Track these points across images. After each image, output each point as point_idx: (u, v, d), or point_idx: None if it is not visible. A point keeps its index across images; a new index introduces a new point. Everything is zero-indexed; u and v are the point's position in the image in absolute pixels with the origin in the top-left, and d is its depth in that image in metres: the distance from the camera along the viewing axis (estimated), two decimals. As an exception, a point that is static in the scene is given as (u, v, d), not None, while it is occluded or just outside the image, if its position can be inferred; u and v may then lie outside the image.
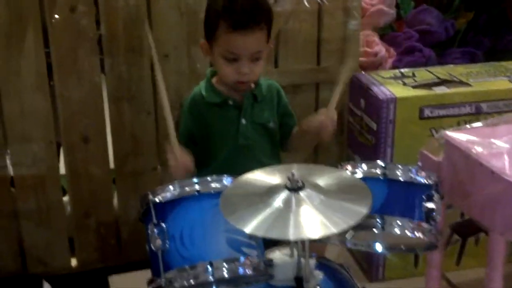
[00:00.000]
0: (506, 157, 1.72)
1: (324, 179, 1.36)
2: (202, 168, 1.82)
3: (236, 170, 1.62)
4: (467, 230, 2.40)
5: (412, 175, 1.52)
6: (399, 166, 1.53)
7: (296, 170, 1.35)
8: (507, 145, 1.76)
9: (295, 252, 1.50)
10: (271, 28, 1.83)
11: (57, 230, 2.47)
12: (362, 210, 1.27)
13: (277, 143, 1.93)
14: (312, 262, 1.48)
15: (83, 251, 2.53)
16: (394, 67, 2.67)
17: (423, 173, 1.53)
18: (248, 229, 1.27)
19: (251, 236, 1.42)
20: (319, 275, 1.50)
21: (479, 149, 1.76)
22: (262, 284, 1.49)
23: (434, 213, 1.50)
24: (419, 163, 1.96)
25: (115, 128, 2.42)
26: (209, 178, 1.49)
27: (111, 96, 2.38)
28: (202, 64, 2.38)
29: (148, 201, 1.46)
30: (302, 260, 1.44)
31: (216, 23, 1.76)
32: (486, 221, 1.76)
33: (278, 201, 1.32)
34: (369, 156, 2.27)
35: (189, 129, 1.89)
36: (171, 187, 1.47)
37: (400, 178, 1.52)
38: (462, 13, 2.93)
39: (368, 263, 2.39)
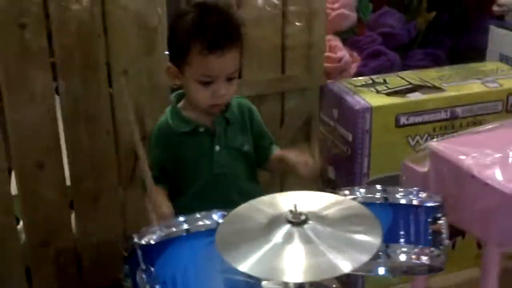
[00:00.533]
0: (498, 167, 1.66)
1: (327, 209, 1.26)
2: (177, 197, 1.69)
3: (213, 198, 1.55)
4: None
5: (413, 198, 1.43)
6: (399, 189, 1.44)
7: (296, 199, 1.24)
8: (498, 155, 1.70)
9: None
10: (243, 44, 1.71)
11: (12, 260, 2.31)
12: (374, 242, 1.17)
13: (253, 165, 1.80)
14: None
15: (41, 281, 2.37)
16: (359, 72, 2.60)
17: (425, 195, 1.44)
18: (248, 269, 1.15)
19: (250, 276, 1.30)
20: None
21: (470, 160, 1.70)
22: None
23: (442, 236, 1.41)
24: (402, 175, 1.89)
25: (72, 150, 2.27)
26: (197, 215, 1.36)
27: (67, 117, 2.22)
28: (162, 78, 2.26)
29: (133, 244, 1.33)
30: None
31: (187, 45, 1.61)
32: (480, 234, 1.71)
33: (279, 236, 1.20)
34: (345, 167, 2.20)
35: (159, 162, 1.74)
36: (157, 227, 1.35)
37: (402, 202, 1.43)
38: (422, 14, 2.88)
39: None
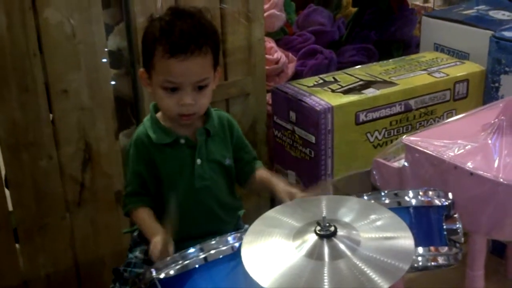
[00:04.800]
0: (479, 156, 1.68)
1: (352, 215, 1.21)
2: (158, 213, 1.60)
3: (194, 211, 1.49)
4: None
5: (423, 198, 1.40)
6: (407, 191, 1.41)
7: (318, 206, 1.19)
8: (474, 144, 1.72)
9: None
10: (219, 53, 1.62)
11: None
12: (409, 247, 1.14)
13: (233, 179, 1.72)
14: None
15: (-12, 325, 2.19)
16: (298, 72, 2.57)
17: (431, 193, 1.42)
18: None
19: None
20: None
21: (448, 152, 1.70)
22: None
23: (457, 235, 1.40)
24: (375, 172, 1.89)
25: (13, 179, 2.10)
26: (212, 242, 1.28)
27: (5, 145, 2.05)
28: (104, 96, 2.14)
29: (151, 279, 1.22)
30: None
31: (152, 48, 1.53)
32: (467, 224, 1.70)
33: (306, 251, 1.14)
34: (308, 169, 2.16)
35: (138, 175, 1.63)
36: (171, 259, 1.26)
37: (414, 204, 1.40)
38: (344, 9, 2.90)
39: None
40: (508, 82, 2.20)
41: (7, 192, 2.11)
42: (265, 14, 2.56)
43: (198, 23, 1.56)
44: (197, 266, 1.25)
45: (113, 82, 2.23)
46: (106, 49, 2.16)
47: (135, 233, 1.71)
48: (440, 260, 1.38)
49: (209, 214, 1.63)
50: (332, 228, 1.16)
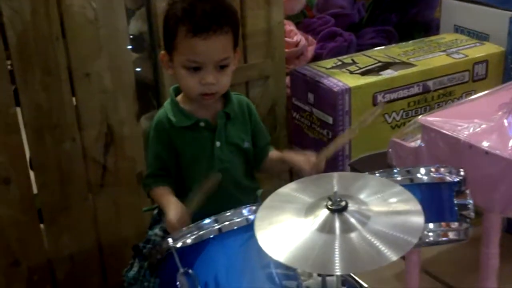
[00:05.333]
0: (494, 135, 1.69)
1: (364, 191, 1.23)
2: (181, 194, 1.63)
3: (213, 195, 1.48)
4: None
5: (434, 175, 1.42)
6: (419, 168, 1.43)
7: (330, 182, 1.22)
8: (490, 123, 1.73)
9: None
10: (238, 33, 1.65)
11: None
12: (418, 223, 1.16)
13: (251, 162, 1.75)
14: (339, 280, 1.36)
15: (15, 302, 2.25)
16: (318, 54, 2.59)
17: (442, 170, 1.43)
18: (289, 261, 1.12)
19: (288, 267, 1.27)
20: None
21: (464, 131, 1.71)
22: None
23: (468, 210, 1.41)
24: (391, 152, 1.90)
25: (37, 162, 2.15)
26: (227, 213, 1.32)
27: (30, 128, 2.10)
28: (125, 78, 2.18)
29: (168, 248, 1.26)
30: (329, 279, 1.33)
31: (175, 29, 1.56)
32: (482, 202, 1.72)
33: (320, 226, 1.17)
34: (325, 151, 2.18)
35: (159, 158, 1.67)
36: (187, 230, 1.30)
37: (426, 181, 1.42)
38: (366, -8, 2.90)
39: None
40: (527, 63, 2.21)
41: (31, 174, 2.17)
42: (285, -3, 2.58)
43: (218, 4, 1.60)
44: (211, 236, 1.29)
45: (138, 69, 2.27)
46: (127, 34, 2.19)
47: (155, 211, 1.75)
48: (451, 235, 1.41)
49: (227, 195, 1.65)
50: (343, 203, 1.19)
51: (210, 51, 1.56)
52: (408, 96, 2.18)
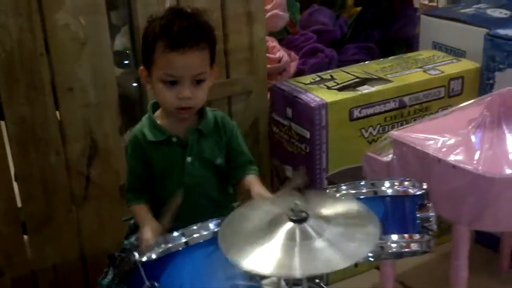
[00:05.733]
0: (461, 150, 1.74)
1: (326, 206, 1.29)
2: (155, 208, 1.68)
3: (185, 209, 1.54)
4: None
5: (399, 188, 1.48)
6: (384, 181, 1.49)
7: (295, 198, 1.27)
8: (458, 138, 1.78)
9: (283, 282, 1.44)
10: (215, 50, 1.71)
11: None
12: (373, 234, 1.22)
13: (225, 178, 1.79)
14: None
15: (-1, 314, 2.29)
16: (299, 70, 2.64)
17: (406, 183, 1.49)
18: (251, 266, 1.19)
19: (251, 278, 1.32)
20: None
21: (433, 145, 1.76)
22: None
23: (429, 222, 1.47)
24: (365, 167, 1.95)
25: (21, 174, 2.19)
26: (194, 227, 1.38)
27: (14, 140, 2.15)
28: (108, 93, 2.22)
29: (134, 262, 1.31)
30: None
31: (153, 44, 1.63)
32: (450, 215, 1.78)
33: (281, 234, 1.23)
34: (303, 164, 2.23)
35: (134, 172, 1.74)
36: (154, 244, 1.35)
37: (390, 193, 1.47)
38: (349, 9, 2.96)
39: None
40: (502, 79, 2.25)
41: (15, 186, 2.21)
42: (268, 14, 2.64)
43: (196, 21, 1.66)
44: (178, 249, 1.33)
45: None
46: (111, 49, 2.24)
47: (132, 221, 1.80)
48: (414, 246, 1.46)
49: (199, 209, 1.69)
50: (304, 215, 1.24)
51: (186, 65, 1.62)
52: (385, 111, 2.22)
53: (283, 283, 1.46)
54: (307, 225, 1.24)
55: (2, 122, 2.14)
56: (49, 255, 2.30)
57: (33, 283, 2.31)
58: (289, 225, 1.25)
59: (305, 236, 1.23)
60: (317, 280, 1.67)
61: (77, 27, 2.13)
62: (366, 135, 2.21)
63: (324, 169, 2.19)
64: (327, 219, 1.26)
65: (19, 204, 2.23)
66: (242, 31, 2.42)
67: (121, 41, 2.58)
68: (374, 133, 2.22)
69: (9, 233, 2.21)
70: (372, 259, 1.56)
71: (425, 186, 1.50)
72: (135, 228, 1.75)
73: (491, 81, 2.29)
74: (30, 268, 2.30)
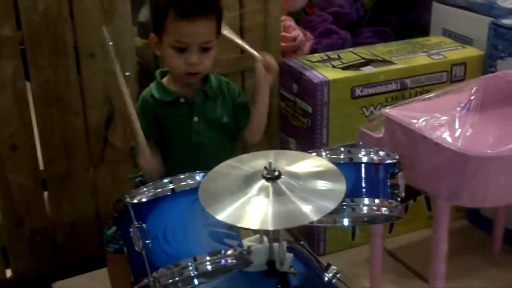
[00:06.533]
0: (446, 128, 1.83)
1: (299, 166, 1.41)
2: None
3: (193, 167, 1.62)
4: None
5: (374, 156, 1.59)
6: (361, 149, 1.60)
7: (271, 157, 1.39)
8: (445, 118, 1.87)
9: (265, 238, 1.56)
10: (221, 20, 1.84)
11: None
12: (338, 193, 1.34)
13: (233, 137, 1.93)
14: (285, 245, 1.53)
15: (18, 259, 2.46)
16: (313, 50, 2.75)
17: (383, 153, 1.60)
18: (227, 218, 1.32)
19: (230, 227, 1.45)
20: (290, 257, 1.56)
21: (420, 123, 1.86)
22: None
23: (398, 190, 1.58)
24: (360, 141, 2.05)
25: (43, 133, 2.36)
26: (182, 176, 1.50)
27: (37, 101, 2.31)
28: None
29: (126, 204, 1.46)
30: (275, 244, 1.50)
31: (165, 13, 1.76)
32: (432, 189, 1.88)
33: (255, 190, 1.36)
34: (306, 138, 2.35)
35: (145, 132, 1.85)
36: (145, 188, 1.48)
37: (364, 160, 1.59)
38: (371, -7, 3.04)
39: (309, 239, 2.45)
40: (503, 67, 2.32)
41: (37, 144, 2.37)
42: (287, -5, 2.75)
43: None
44: (165, 194, 1.48)
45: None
46: (130, 18, 2.37)
47: (138, 179, 1.94)
48: (383, 210, 1.58)
49: (205, 168, 1.83)
50: (277, 173, 1.36)
51: (195, 33, 1.76)
52: (386, 92, 2.32)
53: (265, 239, 1.58)
54: (279, 182, 1.36)
55: (28, 84, 2.30)
56: (66, 211, 2.47)
57: (49, 235, 2.49)
58: (263, 182, 1.37)
59: (277, 193, 1.35)
60: (302, 242, 1.78)
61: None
62: (367, 113, 2.31)
63: (324, 144, 2.30)
64: (299, 177, 1.38)
65: (40, 161, 2.40)
66: (258, 9, 2.53)
67: (145, 13, 2.72)
68: (375, 112, 2.31)
69: (31, 185, 2.38)
70: (350, 223, 1.67)
71: (397, 156, 1.61)
72: (141, 185, 1.88)
73: (493, 69, 2.36)
74: (48, 221, 2.47)
